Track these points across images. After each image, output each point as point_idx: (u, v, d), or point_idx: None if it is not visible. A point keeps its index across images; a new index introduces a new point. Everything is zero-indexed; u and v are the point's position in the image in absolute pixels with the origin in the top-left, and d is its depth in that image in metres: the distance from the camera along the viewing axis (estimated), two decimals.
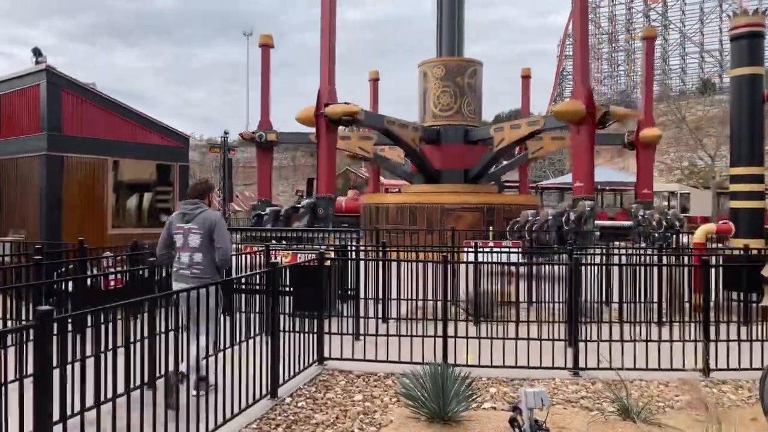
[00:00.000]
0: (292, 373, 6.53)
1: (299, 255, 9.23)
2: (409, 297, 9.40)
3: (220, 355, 5.87)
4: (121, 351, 4.12)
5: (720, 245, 11.86)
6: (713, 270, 10.24)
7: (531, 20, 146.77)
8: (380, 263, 9.37)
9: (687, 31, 73.28)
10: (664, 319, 8.27)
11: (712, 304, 9.27)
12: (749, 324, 7.94)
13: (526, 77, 31.46)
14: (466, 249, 11.20)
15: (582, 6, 18.75)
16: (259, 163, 26.03)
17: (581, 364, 6.94)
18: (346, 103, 19.28)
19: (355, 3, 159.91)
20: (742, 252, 9.57)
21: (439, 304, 9.39)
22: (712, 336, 7.01)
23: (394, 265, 9.34)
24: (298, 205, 20.99)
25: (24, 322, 6.70)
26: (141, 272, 7.56)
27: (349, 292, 9.68)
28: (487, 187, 23.50)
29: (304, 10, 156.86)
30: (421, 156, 22.65)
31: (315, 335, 7.31)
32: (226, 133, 31.57)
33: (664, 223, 18.74)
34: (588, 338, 7.25)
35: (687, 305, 8.59)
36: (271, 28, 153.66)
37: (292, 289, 8.53)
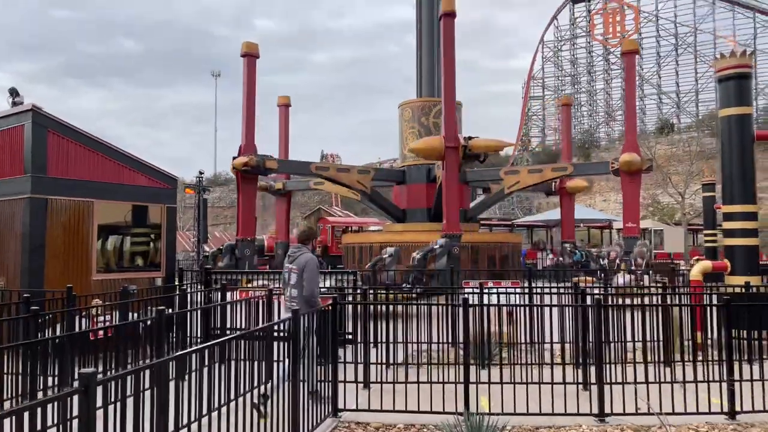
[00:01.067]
0: (309, 427, 6.18)
1: None
2: (417, 340, 9.14)
3: (233, 404, 5.51)
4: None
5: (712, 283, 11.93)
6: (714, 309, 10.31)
7: (492, 62, 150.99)
8: (382, 306, 9.11)
9: (645, 74, 76.05)
10: (684, 359, 8.16)
11: (712, 342, 9.31)
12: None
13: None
14: (467, 289, 11.03)
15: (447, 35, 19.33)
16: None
17: (606, 409, 6.76)
18: (250, 155, 21.00)
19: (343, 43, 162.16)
20: (743, 289, 9.64)
21: (446, 347, 9.23)
22: (736, 376, 6.92)
23: (402, 308, 9.11)
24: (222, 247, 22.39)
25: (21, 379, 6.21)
26: (146, 322, 7.16)
27: (348, 336, 9.38)
28: (470, 225, 23.53)
29: (271, 54, 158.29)
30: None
31: (330, 384, 6.99)
32: (201, 173, 31.10)
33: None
34: (610, 380, 7.09)
35: (689, 343, 8.56)
36: (235, 70, 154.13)
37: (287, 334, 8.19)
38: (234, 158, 21.46)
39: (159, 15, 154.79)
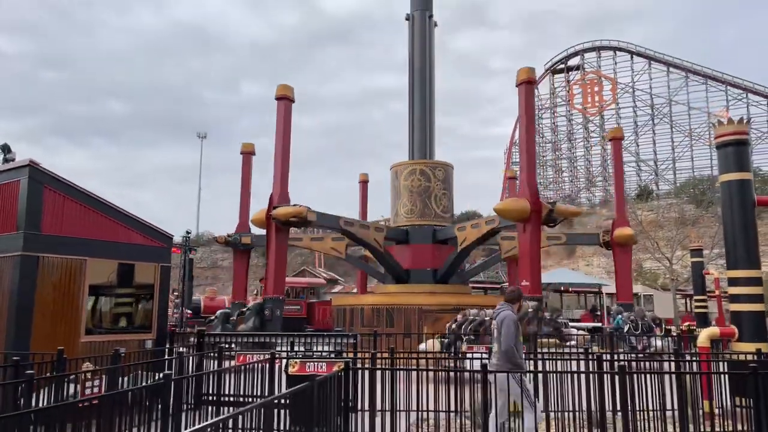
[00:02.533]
0: None
1: (308, 364, 8.52)
2: (424, 408, 8.76)
3: None
4: None
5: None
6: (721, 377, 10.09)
7: (475, 129, 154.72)
8: (388, 372, 8.75)
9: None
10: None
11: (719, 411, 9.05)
12: None
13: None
14: (470, 354, 10.71)
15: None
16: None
17: None
18: (294, 205, 19.62)
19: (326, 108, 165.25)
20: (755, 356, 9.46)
21: (453, 416, 8.83)
22: None
23: (402, 373, 8.78)
24: (244, 309, 20.61)
25: None
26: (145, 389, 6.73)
27: (349, 404, 8.97)
28: (462, 287, 23.33)
29: (257, 116, 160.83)
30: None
31: None
32: (188, 232, 30.63)
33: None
34: None
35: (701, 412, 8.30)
36: (223, 131, 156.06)
37: (289, 401, 7.77)
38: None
39: (148, 77, 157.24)
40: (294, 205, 19.78)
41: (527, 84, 19.63)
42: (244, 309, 20.41)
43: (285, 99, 21.00)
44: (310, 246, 23.83)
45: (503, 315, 7.74)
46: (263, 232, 24.15)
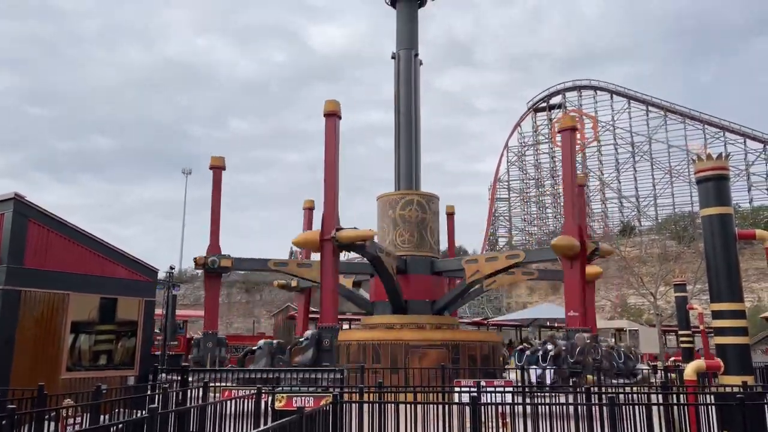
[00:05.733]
0: None
1: (295, 398, 8.40)
2: None
3: None
4: None
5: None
6: (708, 409, 10.11)
7: (459, 165, 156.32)
8: (380, 407, 8.66)
9: (605, 179, 79.30)
10: None
11: None
12: None
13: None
14: (459, 389, 10.64)
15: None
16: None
17: None
18: (354, 228, 19.07)
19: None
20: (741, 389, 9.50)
21: None
22: None
23: (392, 408, 8.69)
24: (300, 338, 19.49)
25: None
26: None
27: None
28: (450, 319, 23.33)
29: (242, 152, 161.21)
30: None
31: None
32: (171, 268, 30.23)
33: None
34: None
35: None
36: (207, 168, 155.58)
37: None
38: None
39: (135, 113, 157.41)
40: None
41: (330, 116, 19.58)
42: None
43: (216, 168, 22.07)
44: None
45: None
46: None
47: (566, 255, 18.98)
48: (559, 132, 20.03)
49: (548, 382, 15.53)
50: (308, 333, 19.04)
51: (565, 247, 18.85)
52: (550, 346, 16.84)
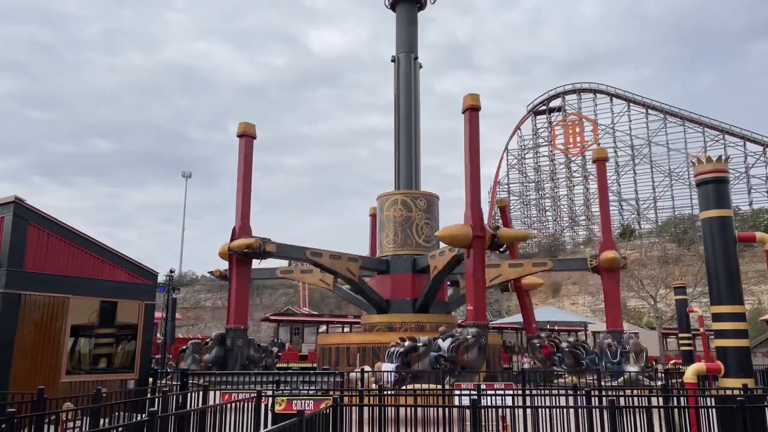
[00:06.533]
0: None
1: (295, 401, 8.40)
2: None
3: None
4: None
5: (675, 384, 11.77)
6: (708, 411, 10.09)
7: (459, 169, 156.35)
8: (380, 410, 8.65)
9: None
10: None
11: None
12: None
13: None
14: (459, 391, 10.62)
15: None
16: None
17: None
18: (254, 237, 20.19)
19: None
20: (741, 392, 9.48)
21: None
22: None
23: (392, 411, 8.67)
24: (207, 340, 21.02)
25: None
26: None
27: None
28: (447, 317, 23.39)
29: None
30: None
31: None
32: (171, 271, 30.31)
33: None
34: None
35: None
36: (210, 171, 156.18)
37: None
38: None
39: (135, 116, 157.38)
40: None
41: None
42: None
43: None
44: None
45: None
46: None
47: (460, 245, 18.40)
48: (462, 112, 20.03)
49: (392, 378, 15.03)
50: (214, 334, 20.44)
51: (456, 237, 18.01)
52: (442, 342, 16.39)
